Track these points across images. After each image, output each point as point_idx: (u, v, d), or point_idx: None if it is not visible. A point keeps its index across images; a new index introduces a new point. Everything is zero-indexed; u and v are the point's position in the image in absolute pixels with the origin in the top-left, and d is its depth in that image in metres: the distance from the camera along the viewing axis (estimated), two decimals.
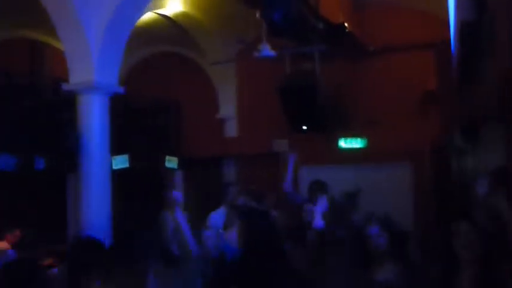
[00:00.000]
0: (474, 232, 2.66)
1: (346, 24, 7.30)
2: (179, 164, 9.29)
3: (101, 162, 6.20)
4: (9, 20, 8.42)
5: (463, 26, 4.74)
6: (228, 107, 9.85)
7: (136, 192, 8.14)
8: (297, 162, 5.72)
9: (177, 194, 3.82)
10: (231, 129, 9.88)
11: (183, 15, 8.75)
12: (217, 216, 5.12)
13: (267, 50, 6.41)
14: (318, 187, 5.15)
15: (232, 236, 3.45)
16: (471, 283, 2.60)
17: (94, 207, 6.01)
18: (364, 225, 3.28)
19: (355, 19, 7.95)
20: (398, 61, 8.20)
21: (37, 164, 6.74)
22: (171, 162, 9.14)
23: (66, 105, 6.82)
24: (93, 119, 6.20)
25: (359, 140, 8.50)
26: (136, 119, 8.97)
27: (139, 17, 6.83)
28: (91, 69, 6.13)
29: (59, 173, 7.18)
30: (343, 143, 8.59)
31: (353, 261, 3.36)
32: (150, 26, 8.76)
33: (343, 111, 8.34)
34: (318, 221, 3.81)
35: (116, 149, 6.85)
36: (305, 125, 7.89)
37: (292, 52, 7.74)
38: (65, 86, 6.32)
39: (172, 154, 9.21)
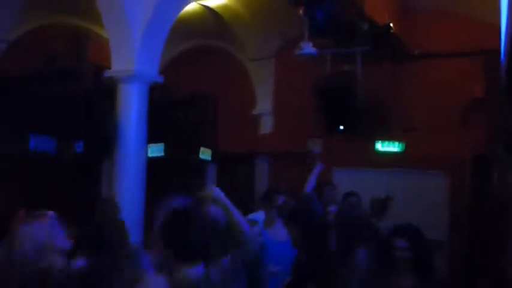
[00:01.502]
0: None
1: (391, 25, 7.14)
2: (213, 156, 9.32)
3: (136, 150, 6.28)
4: (54, 5, 8.60)
5: None
6: (264, 104, 9.82)
7: (170, 182, 8.22)
8: (322, 171, 5.66)
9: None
10: (267, 126, 9.85)
11: (226, 8, 8.76)
12: (257, 216, 5.10)
13: (308, 47, 6.32)
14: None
15: (276, 232, 3.42)
16: None
17: (128, 194, 6.09)
18: (392, 235, 3.22)
19: (402, 21, 7.77)
20: (443, 67, 7.97)
21: (76, 147, 6.90)
22: (205, 154, 9.18)
23: (106, 93, 6.93)
24: (132, 107, 6.29)
25: (396, 144, 8.32)
26: (174, 111, 9.04)
27: (182, 9, 6.87)
28: (133, 58, 6.22)
29: (95, 159, 7.32)
30: (379, 146, 8.42)
31: (377, 269, 3.32)
32: (192, 18, 8.81)
33: (382, 114, 8.18)
34: None
35: (152, 138, 6.93)
36: (343, 126, 7.80)
37: (333, 52, 7.63)
38: (107, 73, 6.42)
39: (206, 147, 9.25)
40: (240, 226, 2.86)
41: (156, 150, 7.72)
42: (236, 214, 2.92)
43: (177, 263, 2.51)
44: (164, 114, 8.43)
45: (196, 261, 2.55)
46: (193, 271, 2.46)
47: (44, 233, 2.20)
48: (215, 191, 3.00)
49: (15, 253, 2.17)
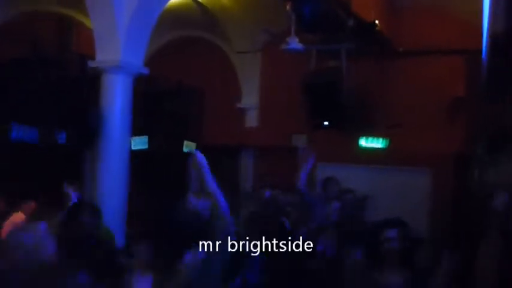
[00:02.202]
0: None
1: (377, 23, 7.17)
2: (197, 149, 9.29)
3: (120, 142, 6.23)
4: None
5: (495, 36, 4.62)
6: (250, 97, 9.81)
7: (153, 175, 8.18)
8: (315, 162, 5.64)
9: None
10: (252, 120, 9.85)
11: (213, 0, 8.71)
12: None
13: (295, 43, 6.33)
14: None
15: None
16: None
17: (110, 185, 6.05)
18: (381, 227, 3.25)
19: (388, 19, 7.82)
20: (428, 65, 8.04)
21: (58, 137, 6.82)
22: (189, 147, 9.15)
23: (90, 83, 6.86)
24: (116, 98, 6.23)
25: (380, 140, 8.39)
26: (158, 102, 8.99)
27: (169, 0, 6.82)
28: (118, 49, 6.15)
29: (78, 149, 7.25)
30: (363, 142, 8.48)
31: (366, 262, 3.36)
32: (179, 9, 8.74)
33: (367, 110, 8.23)
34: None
35: (136, 130, 6.88)
36: (327, 121, 7.82)
37: (319, 48, 7.65)
38: (91, 63, 6.35)
39: (191, 140, 9.22)
40: (215, 196, 2.88)
41: (139, 143, 7.67)
42: (211, 183, 2.93)
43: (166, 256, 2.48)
44: (149, 106, 8.39)
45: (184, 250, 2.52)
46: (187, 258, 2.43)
47: (34, 242, 2.15)
48: (197, 156, 3.02)
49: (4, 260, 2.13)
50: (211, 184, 2.94)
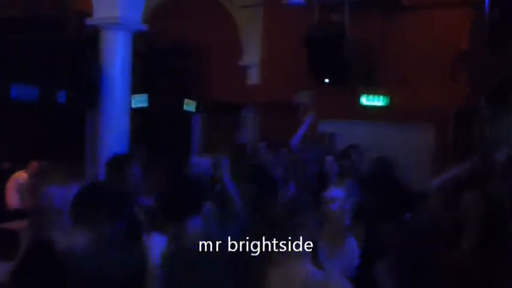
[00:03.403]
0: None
1: None
2: (197, 108, 9.27)
3: (120, 99, 6.19)
4: None
5: None
6: (252, 54, 9.69)
7: (154, 134, 8.19)
8: (312, 123, 5.64)
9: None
10: (254, 77, 9.76)
11: None
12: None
13: None
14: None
15: None
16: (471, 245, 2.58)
17: (111, 143, 6.06)
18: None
19: None
20: (432, 18, 7.86)
21: (58, 96, 6.79)
22: (190, 105, 9.12)
23: (89, 40, 6.77)
24: (116, 55, 6.15)
25: (381, 97, 8.32)
26: (158, 60, 8.89)
27: None
28: (115, 4, 6.03)
29: (78, 108, 7.23)
30: (364, 100, 8.41)
31: None
32: None
33: (369, 66, 8.13)
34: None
35: (136, 88, 6.83)
36: (328, 78, 7.74)
37: (321, 2, 7.49)
38: (89, 21, 6.25)
39: (192, 97, 9.18)
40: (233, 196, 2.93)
41: (139, 101, 7.64)
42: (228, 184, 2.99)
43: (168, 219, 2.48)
44: (149, 63, 8.30)
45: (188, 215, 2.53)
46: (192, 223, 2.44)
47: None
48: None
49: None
50: (229, 185, 2.99)
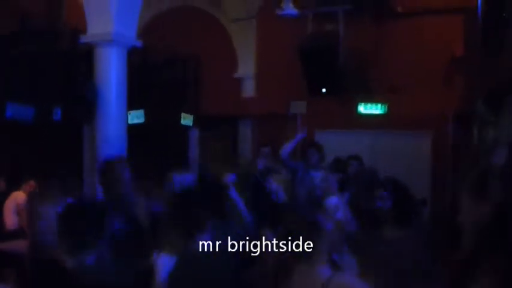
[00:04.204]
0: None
1: None
2: (194, 121, 9.25)
3: (117, 116, 6.16)
4: None
5: None
6: (246, 66, 9.70)
7: (151, 149, 8.14)
8: (306, 137, 5.65)
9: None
10: (249, 89, 9.77)
11: None
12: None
13: (289, 7, 6.22)
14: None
15: None
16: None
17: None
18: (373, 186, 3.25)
19: None
20: (425, 25, 7.89)
21: (54, 114, 6.76)
22: (187, 119, 9.10)
23: (83, 56, 6.75)
24: (111, 72, 6.12)
25: (379, 106, 8.31)
26: (154, 74, 8.88)
27: None
28: (109, 21, 6.02)
29: (75, 125, 7.20)
30: (362, 109, 8.41)
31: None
32: None
33: (365, 75, 8.14)
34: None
35: (132, 103, 6.80)
36: (325, 87, 7.74)
37: (315, 12, 7.51)
38: (83, 38, 6.23)
39: (188, 111, 9.15)
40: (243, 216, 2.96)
41: (136, 116, 7.59)
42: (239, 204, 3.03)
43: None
44: (144, 78, 8.28)
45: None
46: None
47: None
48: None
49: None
50: (237, 200, 3.04)
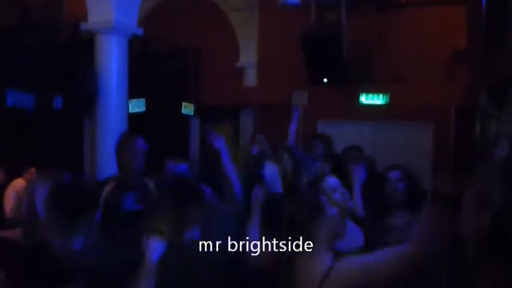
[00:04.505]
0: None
1: None
2: (195, 111, 9.22)
3: (118, 105, 6.17)
4: None
5: None
6: (248, 56, 9.65)
7: (151, 138, 8.12)
8: (302, 115, 5.57)
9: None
10: (251, 78, 9.72)
11: None
12: None
13: None
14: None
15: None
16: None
17: (110, 149, 6.01)
18: (385, 171, 3.24)
19: None
20: (429, 16, 7.82)
21: (55, 103, 6.75)
22: (188, 108, 9.08)
23: (84, 46, 6.73)
24: (112, 60, 6.12)
25: (381, 96, 8.27)
26: (155, 63, 8.85)
27: None
28: (110, 9, 6.00)
29: (75, 114, 7.19)
30: (364, 99, 8.37)
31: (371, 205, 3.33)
32: None
33: (367, 65, 8.08)
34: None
35: (133, 92, 6.79)
36: (327, 77, 7.69)
37: (317, 1, 7.45)
38: (84, 26, 6.21)
39: (189, 101, 9.12)
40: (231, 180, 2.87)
41: (137, 105, 7.58)
42: (228, 166, 2.91)
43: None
44: (145, 67, 8.26)
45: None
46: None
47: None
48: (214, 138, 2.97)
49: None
50: (228, 167, 2.91)
